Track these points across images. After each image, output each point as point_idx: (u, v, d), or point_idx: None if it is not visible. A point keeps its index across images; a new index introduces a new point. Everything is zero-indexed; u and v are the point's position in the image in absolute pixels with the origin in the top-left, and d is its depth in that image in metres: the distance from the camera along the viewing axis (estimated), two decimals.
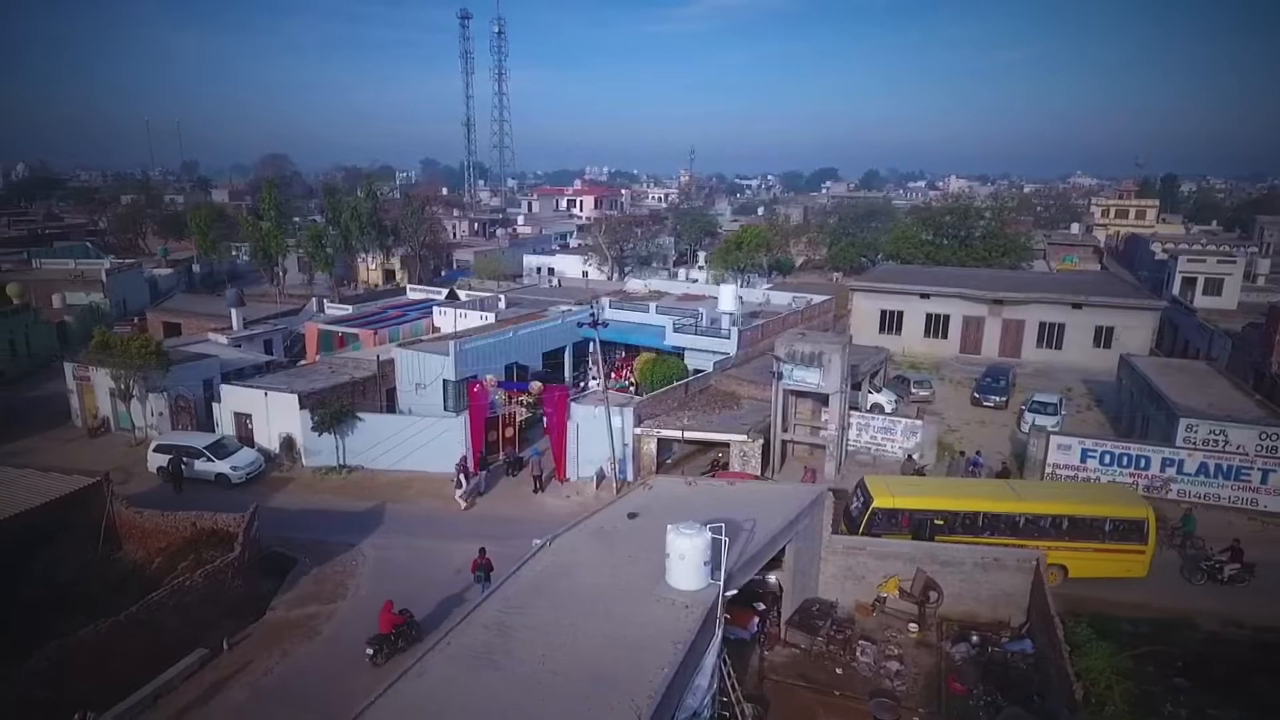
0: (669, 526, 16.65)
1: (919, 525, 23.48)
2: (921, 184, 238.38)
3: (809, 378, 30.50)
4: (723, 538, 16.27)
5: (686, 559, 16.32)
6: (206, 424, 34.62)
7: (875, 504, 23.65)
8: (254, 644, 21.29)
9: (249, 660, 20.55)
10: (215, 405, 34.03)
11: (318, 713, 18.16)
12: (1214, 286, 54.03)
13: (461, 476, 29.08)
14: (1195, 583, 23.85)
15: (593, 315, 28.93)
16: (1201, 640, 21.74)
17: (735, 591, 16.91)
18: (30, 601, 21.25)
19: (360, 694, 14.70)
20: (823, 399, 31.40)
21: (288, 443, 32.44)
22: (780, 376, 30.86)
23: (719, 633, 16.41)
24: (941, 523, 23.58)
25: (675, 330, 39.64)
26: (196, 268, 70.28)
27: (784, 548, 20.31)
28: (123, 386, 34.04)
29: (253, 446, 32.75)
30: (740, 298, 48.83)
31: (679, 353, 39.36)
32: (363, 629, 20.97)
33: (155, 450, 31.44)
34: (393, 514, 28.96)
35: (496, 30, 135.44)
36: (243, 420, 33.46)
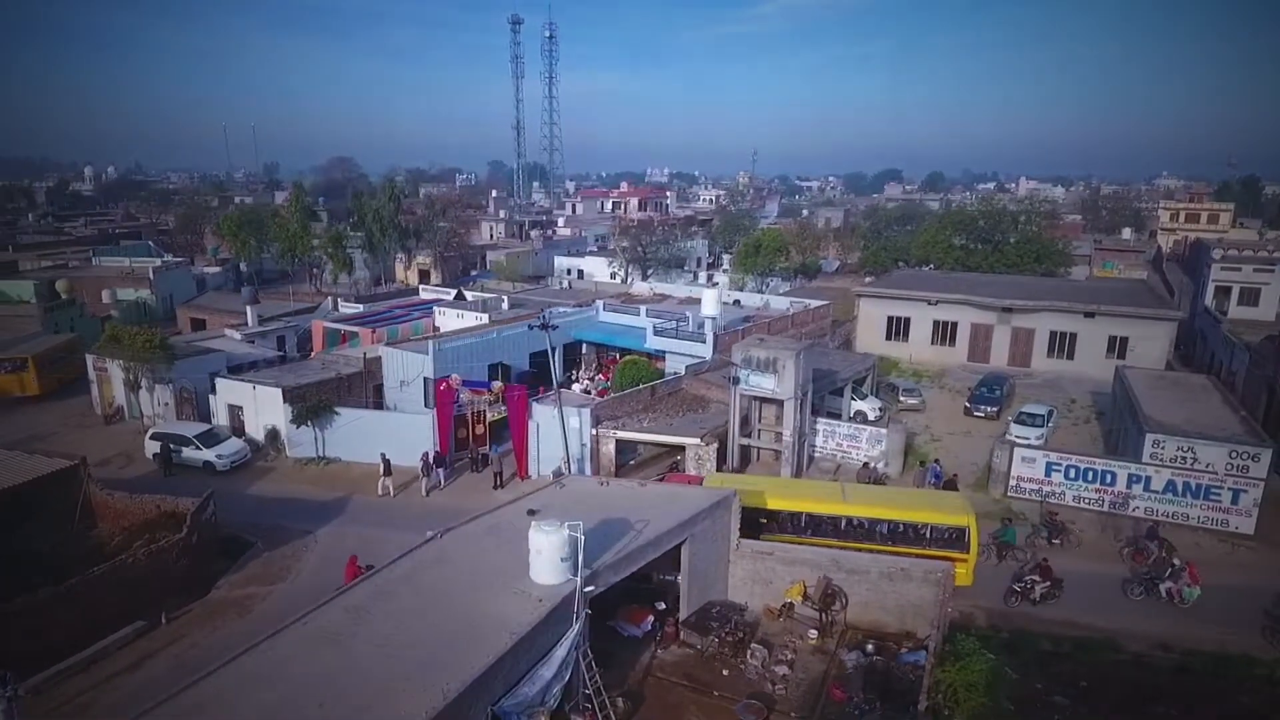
0: (532, 523, 17.35)
1: (744, 523, 23.50)
2: (991, 185, 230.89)
3: (764, 383, 30.63)
4: (579, 535, 16.83)
5: (543, 554, 17.00)
6: (208, 415, 36.82)
7: None
8: (191, 620, 22.92)
9: (183, 634, 22.17)
10: (211, 397, 36.19)
11: None
12: (1250, 296, 51.21)
13: (380, 470, 30.76)
14: (1011, 605, 23.26)
15: (543, 318, 29.77)
16: (1123, 662, 21.23)
17: (594, 588, 17.43)
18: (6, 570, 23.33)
19: None
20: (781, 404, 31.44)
21: (273, 434, 34.34)
22: (737, 382, 31.08)
23: (576, 626, 17.00)
24: (765, 521, 24.04)
25: (656, 333, 40.17)
26: (243, 266, 74.20)
27: (680, 548, 20.74)
28: (132, 377, 36.62)
29: (243, 437, 34.80)
30: (737, 301, 49.16)
31: (660, 355, 39.84)
32: (294, 609, 22.24)
33: (151, 438, 33.76)
34: (356, 504, 30.39)
35: (548, 35, 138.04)
36: (235, 412, 35.53)
